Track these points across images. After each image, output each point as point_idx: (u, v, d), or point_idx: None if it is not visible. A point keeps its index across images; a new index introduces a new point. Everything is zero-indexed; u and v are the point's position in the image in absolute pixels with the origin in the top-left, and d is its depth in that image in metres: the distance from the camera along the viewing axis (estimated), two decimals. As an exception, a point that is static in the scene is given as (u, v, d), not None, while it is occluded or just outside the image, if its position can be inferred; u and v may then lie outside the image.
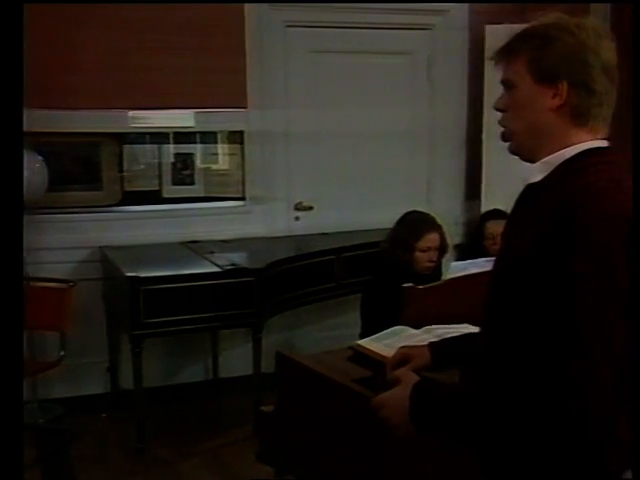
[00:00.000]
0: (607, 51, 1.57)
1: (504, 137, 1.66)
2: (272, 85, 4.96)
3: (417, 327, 2.53)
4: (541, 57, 1.56)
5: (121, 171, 4.70)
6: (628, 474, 1.56)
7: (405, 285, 2.72)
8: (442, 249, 3.79)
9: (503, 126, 1.66)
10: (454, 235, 5.27)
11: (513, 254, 1.57)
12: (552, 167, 1.58)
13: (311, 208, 5.19)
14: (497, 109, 1.67)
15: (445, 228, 5.21)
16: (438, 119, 5.34)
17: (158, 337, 4.22)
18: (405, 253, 3.68)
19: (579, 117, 1.57)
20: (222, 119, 4.82)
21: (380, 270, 3.80)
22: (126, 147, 4.70)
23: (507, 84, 1.63)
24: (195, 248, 4.57)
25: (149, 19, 4.58)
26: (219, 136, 4.90)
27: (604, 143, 1.60)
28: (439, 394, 1.62)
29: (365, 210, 5.05)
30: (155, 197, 4.78)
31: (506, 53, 1.63)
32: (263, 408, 2.61)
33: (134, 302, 3.87)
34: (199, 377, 5.00)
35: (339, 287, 4.62)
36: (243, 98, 4.85)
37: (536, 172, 1.61)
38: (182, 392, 4.82)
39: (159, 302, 3.90)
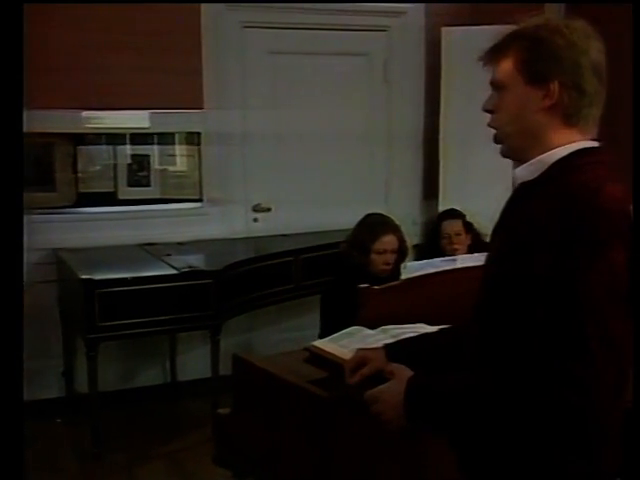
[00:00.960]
0: (596, 51, 1.59)
1: (496, 139, 1.67)
2: (229, 86, 4.94)
3: (374, 327, 2.53)
4: (532, 58, 1.58)
5: (75, 172, 4.63)
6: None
7: (361, 286, 2.72)
8: (401, 252, 3.80)
9: (493, 128, 1.66)
10: (412, 235, 5.30)
11: (509, 252, 1.57)
12: (546, 166, 1.59)
13: (269, 209, 5.17)
14: (486, 110, 1.67)
15: (403, 228, 5.25)
16: (395, 120, 5.37)
17: (114, 340, 4.18)
18: (361, 255, 3.71)
19: (570, 117, 1.58)
20: (178, 120, 4.78)
21: (339, 271, 3.82)
22: (81, 148, 4.64)
23: (497, 85, 1.64)
24: (151, 250, 4.54)
25: (104, 19, 4.53)
26: (177, 137, 4.87)
27: (595, 143, 1.62)
28: (434, 389, 1.63)
29: (324, 211, 5.06)
30: (110, 199, 4.72)
31: (495, 54, 1.64)
32: (220, 411, 2.59)
33: (89, 305, 3.82)
34: (157, 380, 4.95)
35: (298, 288, 4.62)
36: (200, 99, 4.82)
37: (529, 170, 1.62)
38: (139, 396, 4.78)
39: (114, 305, 3.86)
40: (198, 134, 4.87)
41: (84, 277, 3.87)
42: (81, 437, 4.13)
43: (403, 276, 2.92)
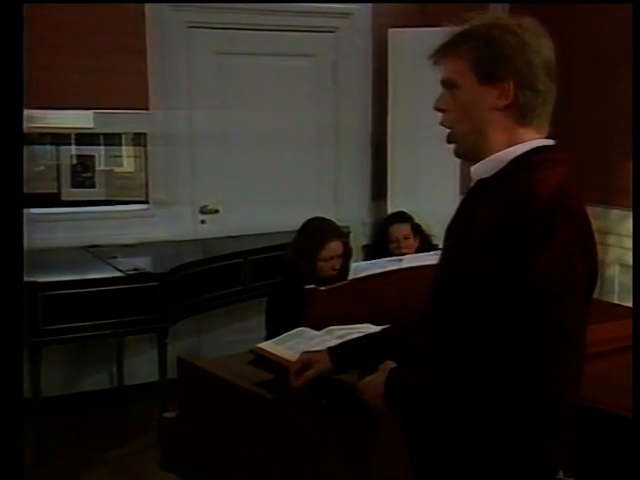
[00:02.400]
0: (547, 50, 1.60)
1: (449, 139, 1.67)
2: (175, 86, 4.91)
3: (321, 328, 2.53)
4: (485, 58, 1.58)
5: (18, 173, 4.54)
6: (560, 474, 1.60)
7: (307, 287, 2.72)
8: (346, 256, 3.78)
9: (446, 127, 1.66)
10: (361, 236, 5.34)
11: (466, 248, 1.58)
12: (503, 163, 1.60)
13: (217, 211, 5.15)
14: (438, 109, 1.66)
15: (352, 229, 5.29)
16: (343, 121, 5.38)
17: (58, 344, 4.11)
18: (308, 264, 3.67)
19: (525, 116, 1.59)
20: (124, 120, 4.73)
21: (284, 276, 3.79)
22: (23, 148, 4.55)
23: (449, 84, 1.63)
24: (96, 252, 4.48)
25: (47, 17, 4.46)
26: (123, 138, 4.82)
27: (550, 141, 1.63)
28: (410, 381, 1.65)
29: (272, 212, 5.05)
30: (53, 200, 4.65)
31: (446, 53, 1.63)
32: (165, 415, 2.58)
33: (31, 308, 3.75)
34: (103, 385, 4.90)
35: (246, 290, 4.60)
36: (145, 99, 4.78)
37: (487, 167, 1.62)
38: (85, 401, 4.71)
39: (58, 308, 3.81)
40: (144, 135, 4.82)
41: (26, 280, 3.78)
42: (24, 444, 4.04)
43: (350, 276, 2.93)
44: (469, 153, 1.66)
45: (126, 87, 4.71)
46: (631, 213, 4.68)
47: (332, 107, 5.38)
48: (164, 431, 2.53)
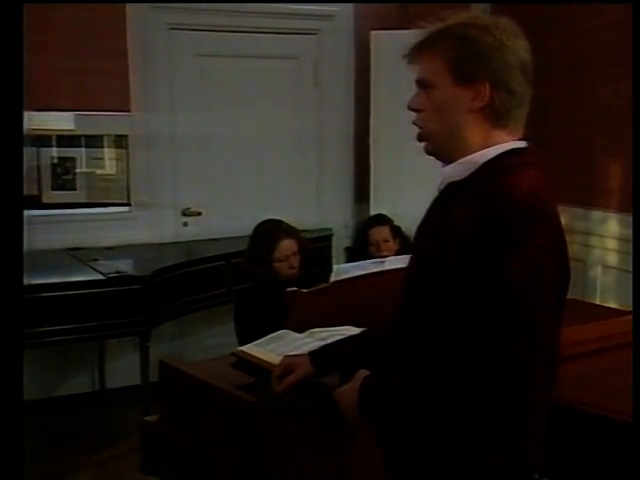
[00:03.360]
0: (524, 51, 1.58)
1: (420, 138, 1.64)
2: (156, 88, 4.89)
3: (303, 331, 2.53)
4: (461, 58, 1.55)
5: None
6: (536, 475, 1.60)
7: (289, 289, 2.71)
8: (303, 252, 3.74)
9: (418, 127, 1.63)
10: (344, 238, 5.35)
11: (437, 251, 1.56)
12: (476, 166, 1.57)
13: (199, 214, 5.13)
14: (411, 109, 1.63)
15: (335, 231, 5.29)
16: (326, 123, 5.38)
17: (39, 348, 4.08)
18: (264, 269, 3.63)
19: (500, 118, 1.57)
20: (105, 122, 4.71)
21: (248, 287, 3.75)
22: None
23: (423, 84, 1.60)
24: (78, 255, 4.45)
25: (27, 19, 4.41)
26: (105, 140, 4.79)
27: (523, 144, 1.61)
28: (383, 389, 1.63)
29: (255, 215, 5.00)
30: (34, 202, 4.61)
31: (422, 51, 1.60)
32: (147, 418, 2.57)
33: (12, 312, 3.72)
34: (85, 388, 4.87)
35: (229, 293, 4.58)
36: (126, 101, 4.76)
37: (458, 170, 1.59)
38: (67, 404, 4.69)
39: (39, 311, 3.76)
40: (126, 137, 4.80)
41: (7, 283, 3.76)
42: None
43: (332, 279, 2.92)
44: (440, 152, 1.63)
45: (107, 89, 4.69)
46: (612, 214, 4.71)
47: (314, 109, 5.37)
48: (145, 435, 2.52)
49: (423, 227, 1.70)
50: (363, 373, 1.71)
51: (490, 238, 1.43)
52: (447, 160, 1.62)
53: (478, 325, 1.43)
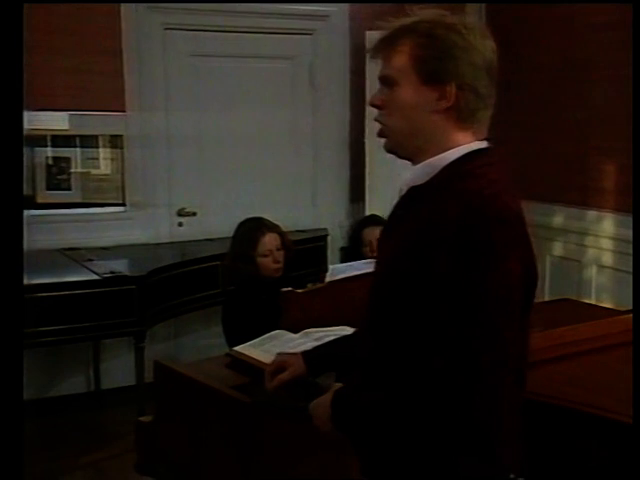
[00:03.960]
0: (491, 52, 1.55)
1: (380, 134, 1.61)
2: (151, 88, 4.88)
3: (298, 331, 2.53)
4: (428, 56, 1.51)
5: (-9, 175, 4.50)
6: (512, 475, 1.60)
7: (284, 289, 2.71)
8: (286, 248, 3.72)
9: (380, 123, 1.60)
10: (339, 238, 5.35)
11: (400, 257, 1.52)
12: (436, 170, 1.54)
13: (194, 214, 5.12)
14: (374, 105, 1.60)
15: (330, 231, 5.29)
16: (321, 123, 5.38)
17: (33, 348, 4.07)
18: (247, 264, 3.61)
19: (465, 120, 1.54)
20: (99, 122, 4.70)
21: (233, 283, 3.75)
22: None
23: (388, 81, 1.57)
24: (72, 255, 4.44)
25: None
26: (100, 140, 4.78)
27: (484, 144, 1.58)
28: (354, 402, 1.61)
29: (250, 215, 5.01)
30: (29, 202, 4.59)
31: (387, 47, 1.56)
32: (142, 419, 2.56)
33: (7, 313, 3.71)
34: (80, 389, 4.86)
35: (224, 293, 4.56)
36: (121, 101, 4.75)
37: (419, 174, 1.57)
38: (62, 405, 4.68)
39: (34, 312, 3.75)
40: (120, 137, 4.80)
41: (1, 284, 3.76)
42: None
43: (327, 279, 2.93)
44: (401, 150, 1.60)
45: (102, 89, 4.68)
46: (608, 214, 4.72)
47: (309, 109, 5.37)
48: (140, 435, 2.52)
49: (385, 232, 1.68)
50: (337, 386, 1.70)
51: (450, 247, 1.40)
52: (408, 159, 1.60)
53: (438, 334, 1.41)
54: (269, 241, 3.64)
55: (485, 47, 1.53)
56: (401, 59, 1.53)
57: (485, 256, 1.39)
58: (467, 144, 1.55)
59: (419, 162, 1.58)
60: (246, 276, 3.60)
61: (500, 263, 1.39)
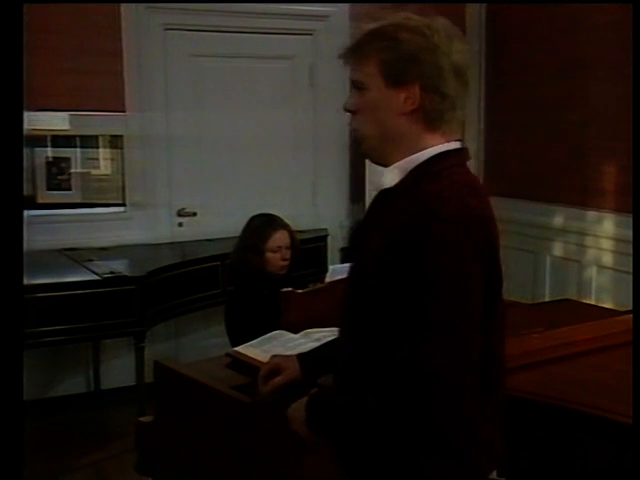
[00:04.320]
0: (458, 53, 1.55)
1: (355, 139, 1.62)
2: (151, 89, 4.88)
3: (298, 331, 2.53)
4: (392, 59, 1.53)
5: (-8, 175, 4.50)
6: (493, 475, 1.59)
7: (284, 290, 2.71)
8: (294, 247, 3.75)
9: (353, 128, 1.62)
10: (339, 238, 5.34)
11: (369, 261, 1.53)
12: (405, 172, 1.56)
13: (194, 214, 5.12)
14: (347, 110, 1.62)
15: (330, 231, 5.29)
16: (321, 123, 5.37)
17: (33, 349, 4.07)
18: (256, 257, 3.63)
19: (432, 122, 1.55)
20: (100, 122, 4.70)
21: (238, 281, 3.76)
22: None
23: (358, 85, 1.59)
24: (72, 256, 4.43)
25: (24, 19, 4.42)
26: (100, 140, 4.78)
27: (455, 145, 1.59)
28: (330, 404, 1.62)
29: (249, 215, 5.00)
30: (29, 202, 4.59)
31: (355, 53, 1.59)
32: (142, 419, 2.56)
33: (7, 313, 3.71)
34: (80, 389, 4.86)
35: (224, 293, 4.55)
36: (121, 101, 4.75)
37: (389, 177, 1.58)
38: (62, 405, 4.68)
39: (34, 312, 3.75)
40: (120, 137, 4.80)
41: (1, 284, 3.75)
42: None
43: (327, 279, 2.92)
44: (374, 155, 1.62)
45: (102, 89, 4.68)
46: (607, 215, 4.71)
47: (309, 109, 5.37)
48: (140, 435, 2.51)
49: (359, 236, 1.69)
50: (314, 390, 1.72)
51: (409, 249, 1.41)
52: (382, 163, 1.61)
53: (398, 337, 1.42)
54: (280, 237, 3.67)
55: (451, 49, 1.54)
56: (368, 64, 1.56)
57: (440, 258, 1.40)
58: (436, 146, 1.56)
59: (391, 165, 1.59)
60: (252, 269, 3.63)
61: (455, 265, 1.40)
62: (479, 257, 1.43)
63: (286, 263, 3.68)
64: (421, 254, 1.40)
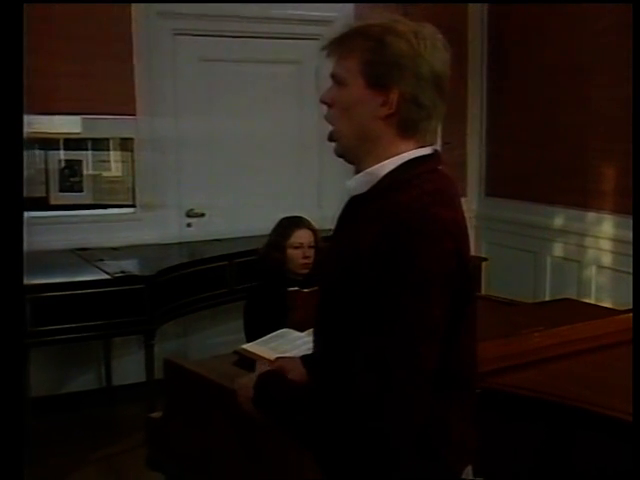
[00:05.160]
0: (441, 63, 1.51)
1: (330, 137, 1.60)
2: (161, 92, 4.89)
3: (305, 330, 2.53)
4: (375, 61, 1.49)
5: (6, 177, 4.52)
6: (468, 471, 1.59)
7: (290, 289, 2.72)
8: (318, 248, 3.78)
9: (329, 123, 1.59)
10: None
11: (338, 269, 1.52)
12: (377, 179, 1.53)
13: (203, 215, 5.12)
14: (323, 101, 1.59)
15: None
16: (327, 126, 5.33)
17: (46, 346, 4.08)
18: (278, 252, 3.71)
19: (406, 129, 1.52)
20: (111, 126, 4.71)
21: (259, 277, 3.80)
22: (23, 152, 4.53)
23: (337, 79, 1.56)
24: (84, 255, 4.44)
25: (36, 24, 4.42)
26: (111, 143, 4.80)
27: (428, 150, 1.56)
28: (278, 388, 1.61)
29: (257, 216, 5.02)
30: (42, 204, 4.61)
31: (339, 47, 1.56)
32: (152, 415, 2.57)
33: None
34: (92, 385, 4.85)
35: (231, 292, 4.58)
36: (132, 105, 4.76)
37: (360, 184, 1.56)
38: (74, 401, 4.67)
39: (47, 310, 3.76)
40: (131, 140, 4.81)
41: (15, 283, 3.77)
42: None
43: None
44: (348, 155, 1.59)
45: (113, 93, 4.68)
46: (607, 216, 4.71)
47: (315, 112, 5.34)
48: (151, 431, 2.52)
49: (331, 242, 1.67)
50: (262, 367, 1.73)
51: (374, 259, 1.40)
52: (354, 163, 1.59)
53: (359, 340, 1.41)
54: (302, 235, 3.74)
55: (434, 58, 1.50)
56: (350, 60, 1.53)
57: (403, 268, 1.38)
58: (409, 151, 1.53)
59: (363, 169, 1.57)
60: (273, 266, 3.68)
61: (418, 278, 1.38)
62: (445, 268, 1.41)
63: (307, 261, 3.72)
64: (386, 265, 1.38)
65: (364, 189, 1.55)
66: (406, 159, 1.52)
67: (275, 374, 1.69)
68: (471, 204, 5.71)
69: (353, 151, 1.57)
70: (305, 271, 3.69)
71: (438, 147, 1.62)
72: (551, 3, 4.99)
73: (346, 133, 1.56)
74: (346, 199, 1.64)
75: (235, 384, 1.73)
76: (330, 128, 1.59)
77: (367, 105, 1.52)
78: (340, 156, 1.61)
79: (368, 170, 1.54)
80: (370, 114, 1.52)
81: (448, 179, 1.57)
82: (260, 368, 1.72)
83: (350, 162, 1.60)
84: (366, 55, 1.50)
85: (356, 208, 1.58)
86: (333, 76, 1.57)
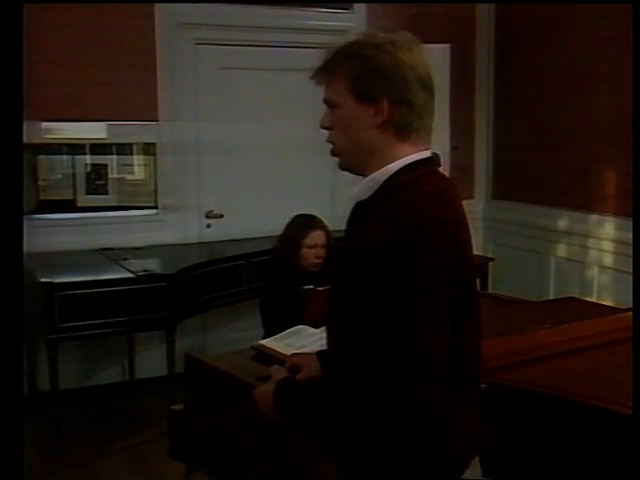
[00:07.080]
0: (422, 65, 1.54)
1: (333, 153, 1.62)
2: (182, 99, 4.90)
3: (320, 327, 2.52)
4: (360, 77, 1.51)
5: (36, 180, 4.55)
6: (475, 462, 1.59)
7: (306, 287, 2.72)
8: (329, 248, 3.81)
9: (331, 143, 1.61)
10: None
11: (346, 273, 1.53)
12: (378, 184, 1.54)
13: (222, 216, 5.13)
14: (323, 127, 1.62)
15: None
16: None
17: (73, 341, 4.11)
18: (293, 250, 3.73)
19: (402, 132, 1.53)
20: (135, 131, 4.74)
21: (273, 274, 3.81)
22: (41, 157, 4.56)
23: (330, 103, 1.59)
24: (109, 255, 4.47)
25: (63, 36, 4.47)
26: (134, 148, 4.82)
27: (427, 154, 1.57)
28: (297, 392, 1.61)
29: (273, 217, 5.00)
30: (69, 206, 4.65)
31: (325, 73, 1.58)
32: (173, 407, 2.57)
33: (49, 307, 3.75)
34: (116, 378, 4.88)
35: (249, 290, 4.58)
36: (154, 111, 4.78)
37: (363, 190, 1.57)
38: (99, 393, 4.70)
39: (74, 307, 3.80)
40: (154, 144, 4.83)
41: (44, 280, 3.80)
42: (43, 433, 4.03)
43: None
44: (352, 167, 1.60)
45: (137, 100, 4.71)
46: (609, 218, 4.69)
47: (329, 119, 5.36)
48: (172, 422, 2.52)
49: (341, 248, 1.67)
50: (279, 373, 1.71)
51: (379, 261, 1.40)
52: (360, 174, 1.60)
53: (372, 344, 1.40)
54: (317, 236, 3.77)
55: (415, 61, 1.52)
56: (337, 83, 1.55)
57: (406, 267, 1.38)
58: (407, 156, 1.54)
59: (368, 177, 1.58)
60: (288, 262, 3.71)
61: (421, 273, 1.38)
62: (446, 266, 1.41)
63: (319, 261, 3.75)
64: (390, 265, 1.39)
65: (367, 195, 1.56)
66: (405, 163, 1.53)
67: (292, 379, 1.69)
68: (478, 206, 5.69)
69: (356, 163, 1.59)
70: (315, 269, 3.73)
71: (437, 151, 1.63)
72: (554, 4, 4.97)
73: (347, 149, 1.58)
74: (352, 205, 1.65)
75: (255, 393, 1.71)
76: (331, 147, 1.62)
77: (361, 119, 1.53)
78: (344, 170, 1.62)
79: (371, 176, 1.56)
80: (365, 126, 1.54)
81: (447, 181, 1.58)
82: (276, 374, 1.70)
83: (355, 173, 1.61)
84: (350, 74, 1.53)
85: (361, 213, 1.59)
86: (326, 101, 1.60)
